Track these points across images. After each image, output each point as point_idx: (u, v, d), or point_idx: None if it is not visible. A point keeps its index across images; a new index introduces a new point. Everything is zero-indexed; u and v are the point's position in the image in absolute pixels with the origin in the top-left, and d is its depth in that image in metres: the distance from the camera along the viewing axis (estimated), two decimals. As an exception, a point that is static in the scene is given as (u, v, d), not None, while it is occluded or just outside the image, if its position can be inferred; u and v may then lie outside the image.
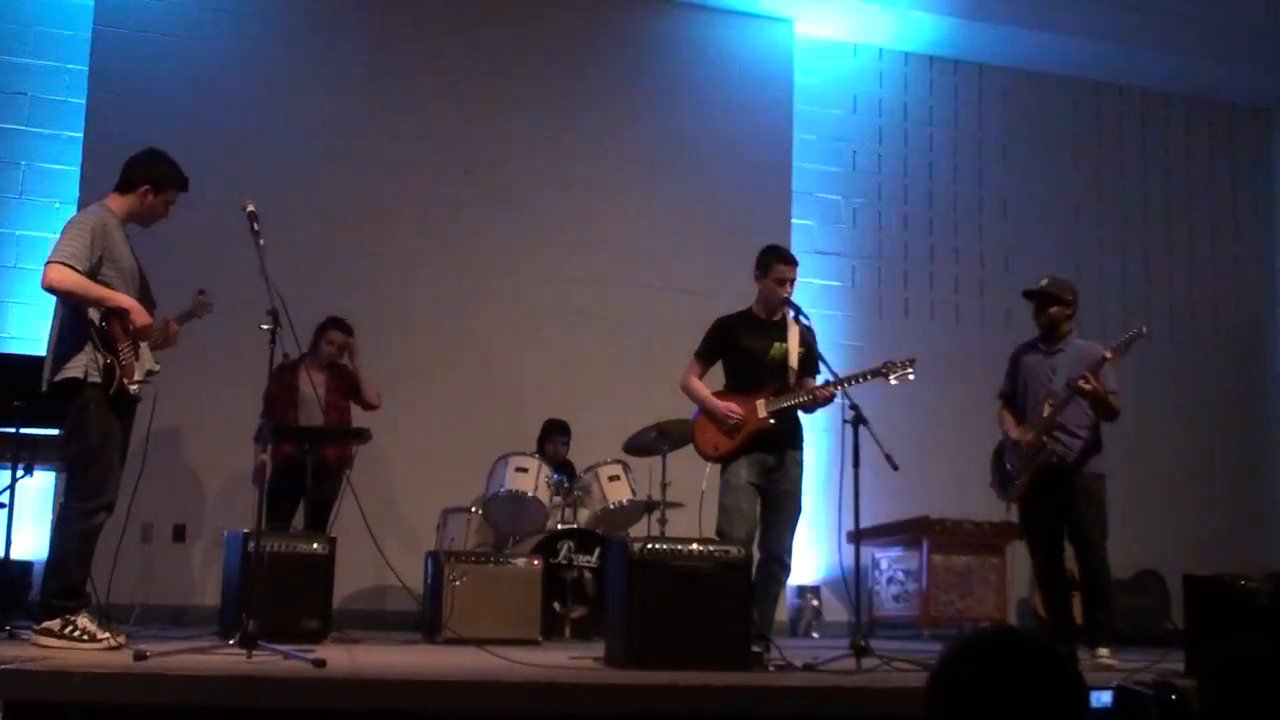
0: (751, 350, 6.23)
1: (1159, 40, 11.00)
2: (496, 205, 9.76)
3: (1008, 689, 1.89)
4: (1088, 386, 6.31)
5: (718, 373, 6.41)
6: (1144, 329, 6.52)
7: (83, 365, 5.26)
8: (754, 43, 10.62)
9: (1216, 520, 10.90)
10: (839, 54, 11.03)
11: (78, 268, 5.25)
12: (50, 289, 5.30)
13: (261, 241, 5.43)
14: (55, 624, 5.15)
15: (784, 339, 6.24)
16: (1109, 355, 6.42)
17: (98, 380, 5.27)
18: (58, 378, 5.31)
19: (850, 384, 6.05)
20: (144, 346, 5.50)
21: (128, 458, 5.55)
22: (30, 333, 8.52)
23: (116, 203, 5.58)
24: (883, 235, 10.98)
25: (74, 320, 5.36)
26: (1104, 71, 11.54)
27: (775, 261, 6.26)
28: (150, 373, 5.55)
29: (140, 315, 5.36)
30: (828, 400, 6.12)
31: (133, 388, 5.37)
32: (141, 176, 5.57)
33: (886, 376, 6.21)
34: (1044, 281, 6.76)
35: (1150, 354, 10.93)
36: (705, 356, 6.38)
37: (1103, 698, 3.55)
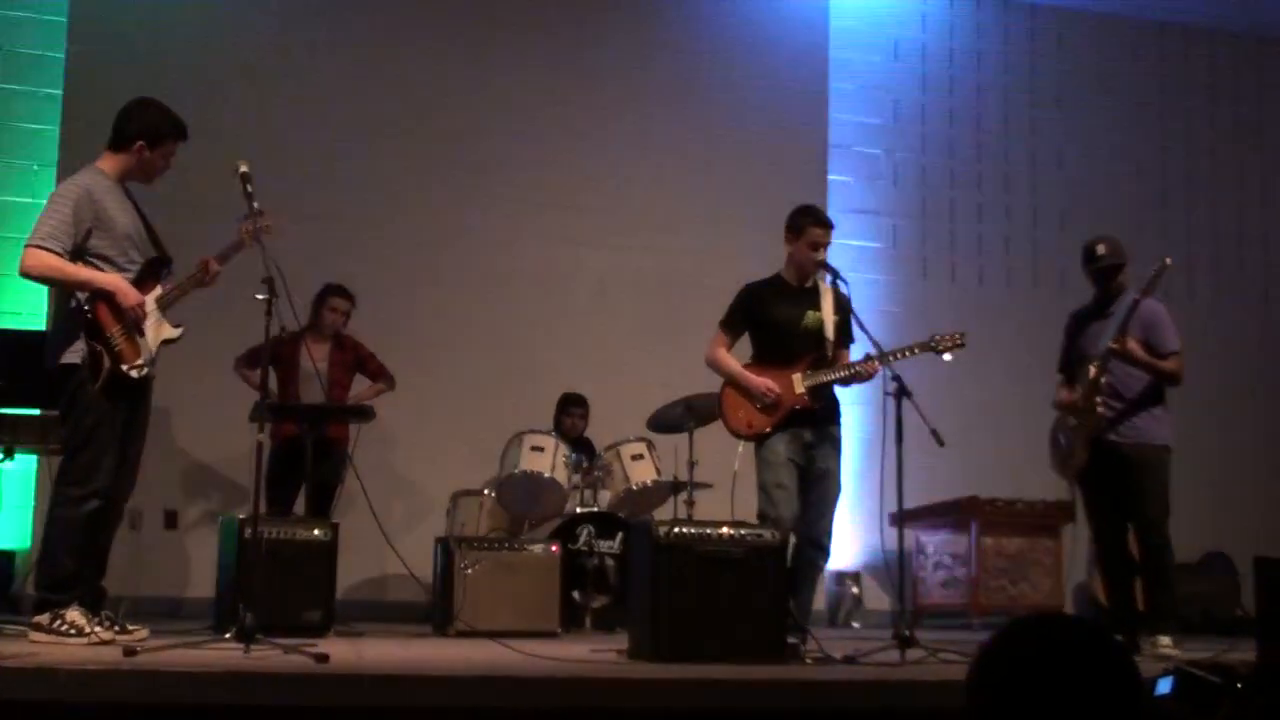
0: (783, 320, 6.18)
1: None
2: (512, 168, 9.74)
3: (1051, 677, 1.86)
4: (1115, 345, 6.35)
5: (745, 343, 6.39)
6: (1167, 260, 6.46)
7: (80, 351, 5.28)
8: (785, -16, 10.58)
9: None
10: (878, -6, 10.98)
11: (55, 249, 5.23)
12: (26, 276, 5.32)
13: (256, 205, 5.43)
14: (45, 618, 5.20)
15: (817, 307, 6.18)
16: (1138, 298, 6.42)
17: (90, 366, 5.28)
18: (58, 362, 5.32)
19: (894, 359, 5.99)
20: (153, 318, 5.46)
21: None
22: (9, 306, 8.56)
23: (109, 162, 5.53)
24: (927, 192, 10.92)
25: (67, 302, 5.38)
26: (1167, 11, 11.41)
27: (809, 224, 6.19)
28: (167, 341, 5.53)
29: (127, 296, 5.32)
30: (870, 376, 6.08)
31: (132, 372, 5.34)
32: (135, 131, 5.51)
33: (935, 350, 6.15)
34: (1101, 250, 6.65)
35: (1220, 320, 10.93)
36: (732, 326, 6.33)
37: (1163, 685, 3.46)
